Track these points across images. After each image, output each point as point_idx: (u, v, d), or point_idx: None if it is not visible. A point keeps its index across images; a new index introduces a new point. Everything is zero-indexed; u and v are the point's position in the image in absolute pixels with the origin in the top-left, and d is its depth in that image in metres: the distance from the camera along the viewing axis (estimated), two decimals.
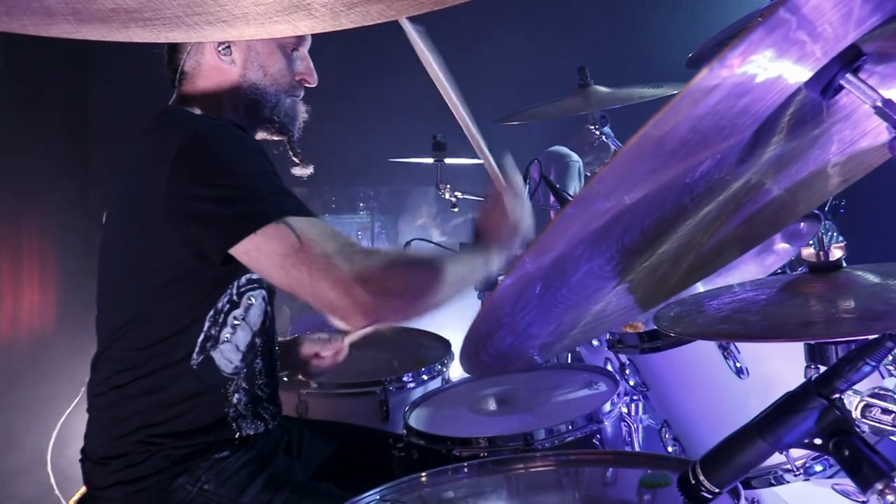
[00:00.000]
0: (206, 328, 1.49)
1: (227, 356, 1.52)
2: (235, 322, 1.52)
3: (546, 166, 4.01)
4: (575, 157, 4.25)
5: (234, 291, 1.52)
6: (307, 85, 1.66)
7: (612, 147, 2.92)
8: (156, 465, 1.46)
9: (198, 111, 1.56)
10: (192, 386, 1.49)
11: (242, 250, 1.36)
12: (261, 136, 1.67)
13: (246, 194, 1.37)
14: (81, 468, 1.55)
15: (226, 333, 1.51)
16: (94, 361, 1.57)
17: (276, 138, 1.68)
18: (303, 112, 1.68)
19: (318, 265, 1.32)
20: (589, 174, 4.22)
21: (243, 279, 1.52)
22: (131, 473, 1.46)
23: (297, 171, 1.73)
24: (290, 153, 1.70)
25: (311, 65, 1.66)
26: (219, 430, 1.51)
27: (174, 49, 1.60)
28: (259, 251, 1.35)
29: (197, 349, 1.48)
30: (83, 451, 1.56)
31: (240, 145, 1.44)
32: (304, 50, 1.65)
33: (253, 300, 1.55)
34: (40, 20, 0.51)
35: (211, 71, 1.58)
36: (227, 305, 1.51)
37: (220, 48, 1.56)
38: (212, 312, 1.49)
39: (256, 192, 1.37)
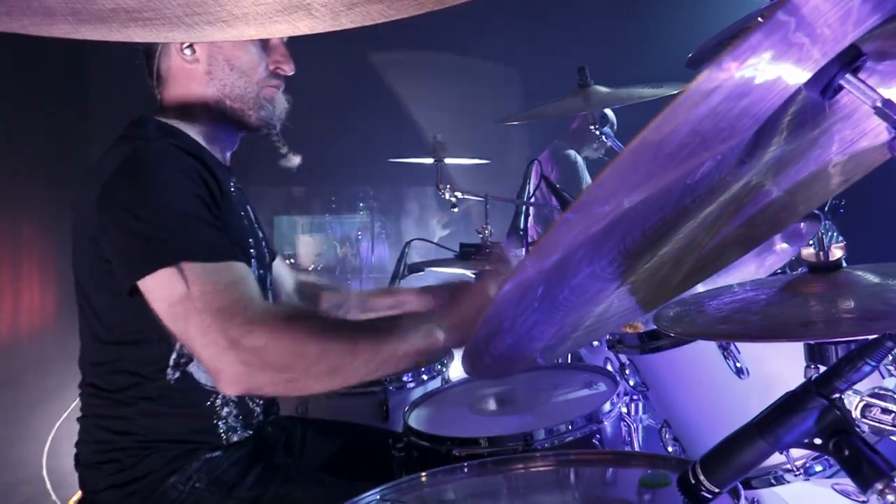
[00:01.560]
0: (175, 346, 1.47)
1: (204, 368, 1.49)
2: None
3: (550, 168, 4.01)
4: (580, 159, 4.26)
5: None
6: (283, 73, 1.62)
7: (611, 139, 2.90)
8: (148, 466, 1.46)
9: (168, 120, 1.55)
10: (175, 399, 1.48)
11: (141, 288, 1.33)
12: (242, 131, 1.65)
13: (153, 232, 1.34)
14: (77, 474, 1.55)
15: None
16: (80, 369, 1.57)
17: (257, 132, 1.65)
18: (282, 102, 1.64)
19: (196, 321, 1.26)
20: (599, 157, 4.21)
21: None
22: (123, 477, 1.46)
23: (284, 162, 1.71)
24: (275, 144, 1.68)
25: (286, 52, 1.61)
26: (208, 437, 1.51)
27: (147, 55, 1.58)
28: (151, 293, 1.32)
29: (171, 364, 1.47)
30: (76, 457, 1.56)
31: (167, 177, 1.40)
32: (276, 39, 1.60)
33: None
34: (40, 20, 0.51)
35: (179, 73, 1.56)
36: None
37: (182, 48, 1.54)
38: None
39: (162, 230, 1.34)
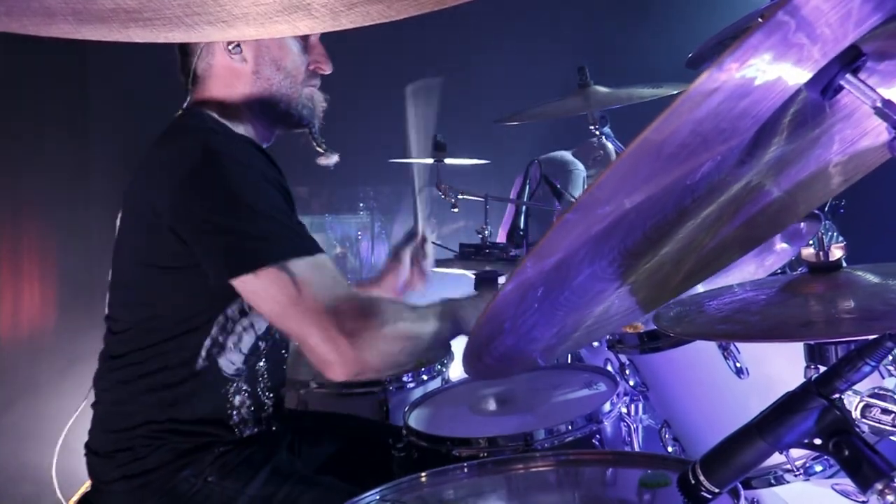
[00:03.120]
0: (213, 333, 1.49)
1: (230, 358, 1.52)
2: (242, 329, 1.52)
3: (548, 174, 4.00)
4: (579, 165, 4.25)
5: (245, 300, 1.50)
6: (322, 72, 1.65)
7: (614, 155, 2.91)
8: (160, 458, 1.47)
9: (215, 115, 1.56)
10: (195, 386, 1.49)
11: (240, 285, 1.37)
12: (281, 130, 1.67)
13: (250, 230, 1.37)
14: (86, 462, 1.56)
15: (232, 340, 1.51)
16: (101, 355, 1.58)
17: (297, 130, 1.68)
18: (321, 101, 1.67)
19: (310, 318, 1.34)
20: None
21: None
22: (136, 468, 1.47)
23: (322, 160, 1.73)
24: (314, 143, 1.70)
25: (324, 51, 1.65)
26: (220, 430, 1.52)
27: (185, 53, 1.60)
28: (256, 293, 1.37)
29: (203, 353, 1.49)
30: (87, 445, 1.56)
31: (251, 171, 1.43)
32: (315, 37, 1.63)
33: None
34: (40, 20, 0.51)
35: (223, 72, 1.57)
36: (238, 314, 1.51)
37: (230, 47, 1.55)
38: (221, 318, 1.49)
39: (261, 229, 1.37)
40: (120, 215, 1.58)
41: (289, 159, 1.69)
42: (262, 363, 1.59)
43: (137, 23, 0.53)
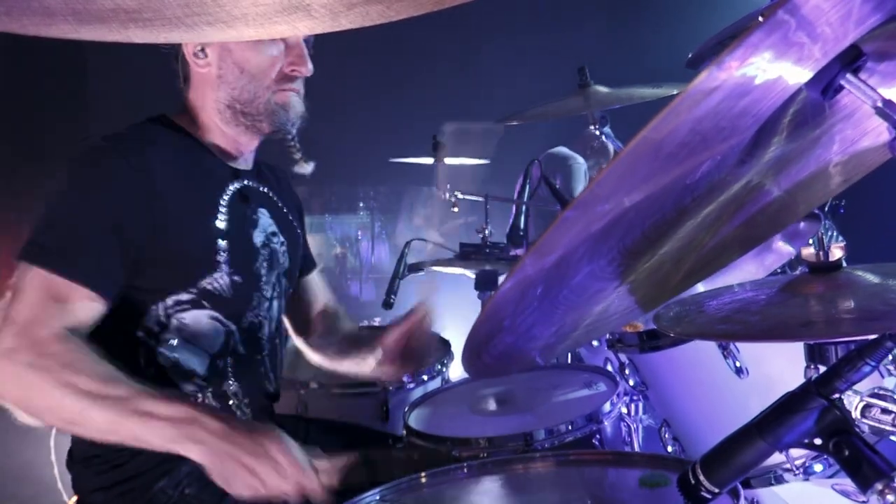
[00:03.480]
0: (141, 350, 1.47)
1: (180, 374, 1.48)
2: (173, 344, 1.48)
3: (550, 170, 4.01)
4: (580, 159, 4.26)
5: (161, 313, 1.47)
6: (299, 74, 1.56)
7: (612, 149, 2.91)
8: (136, 467, 1.44)
9: (184, 122, 1.58)
10: (162, 381, 1.46)
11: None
12: (250, 135, 1.61)
13: (43, 226, 1.41)
14: (70, 473, 1.54)
15: (164, 359, 1.47)
16: None
17: (275, 136, 1.62)
18: (298, 107, 1.58)
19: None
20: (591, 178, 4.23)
21: (169, 300, 1.47)
22: (112, 478, 1.45)
23: (298, 168, 1.67)
24: (290, 150, 1.64)
25: (304, 52, 1.55)
26: None
27: (171, 58, 1.59)
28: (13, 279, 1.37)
29: (154, 371, 1.46)
30: (69, 452, 1.54)
31: (85, 178, 1.46)
32: (295, 38, 1.54)
33: (188, 322, 1.48)
34: (40, 20, 0.51)
35: (195, 78, 1.56)
36: (157, 327, 1.47)
37: (195, 52, 1.53)
38: (141, 333, 1.46)
39: (48, 230, 1.40)
40: None
41: (288, 160, 1.68)
42: (231, 383, 1.55)
43: (137, 23, 0.53)
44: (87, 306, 1.36)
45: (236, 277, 1.54)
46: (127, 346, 1.45)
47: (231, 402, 1.56)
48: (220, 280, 1.51)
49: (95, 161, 1.47)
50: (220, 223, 1.54)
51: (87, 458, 1.49)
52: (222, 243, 1.53)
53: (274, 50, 1.53)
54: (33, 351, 1.27)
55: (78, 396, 1.24)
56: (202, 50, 1.53)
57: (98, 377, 1.27)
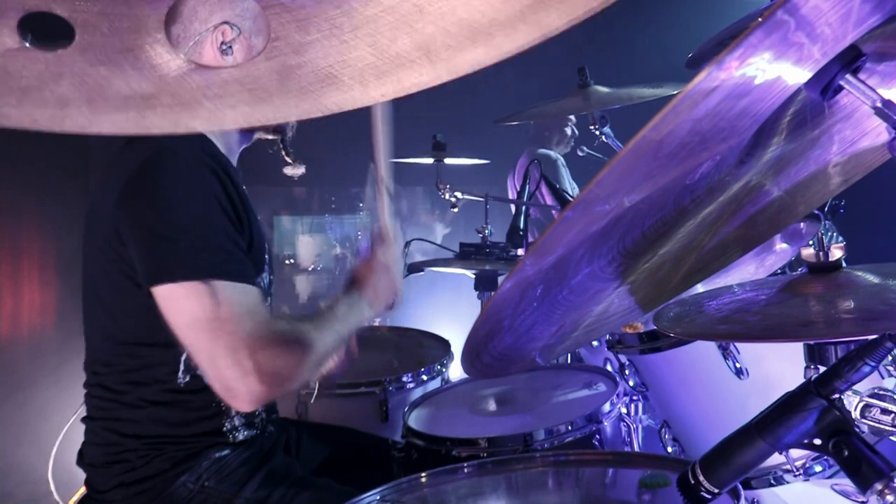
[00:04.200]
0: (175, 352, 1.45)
1: None
2: None
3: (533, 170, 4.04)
4: (556, 154, 4.30)
5: None
6: None
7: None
8: (157, 467, 1.46)
9: None
10: (184, 401, 1.48)
11: (160, 294, 1.32)
12: (258, 134, 1.65)
13: (181, 240, 1.33)
14: (84, 472, 1.55)
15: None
16: (86, 370, 1.56)
17: (270, 137, 1.66)
18: None
19: (224, 339, 1.29)
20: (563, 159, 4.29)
21: None
22: (133, 476, 1.46)
23: (289, 170, 1.70)
24: (283, 153, 1.67)
25: None
26: (214, 437, 1.51)
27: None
28: (175, 302, 1.32)
29: (182, 367, 1.46)
30: (82, 457, 1.55)
31: (196, 180, 1.39)
32: None
33: None
34: (52, 112, 0.48)
35: None
36: None
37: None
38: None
39: (192, 241, 1.33)
40: (84, 228, 1.54)
41: (278, 159, 1.69)
42: None
43: (155, 110, 0.51)
44: (257, 293, 1.41)
45: (272, 276, 1.60)
46: (172, 344, 1.43)
47: None
48: (264, 280, 1.53)
49: (196, 160, 1.44)
50: (260, 224, 1.58)
51: (104, 463, 1.49)
52: (265, 244, 1.57)
53: None
54: (273, 348, 1.33)
55: (320, 349, 1.41)
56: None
57: (312, 328, 1.43)
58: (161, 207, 1.36)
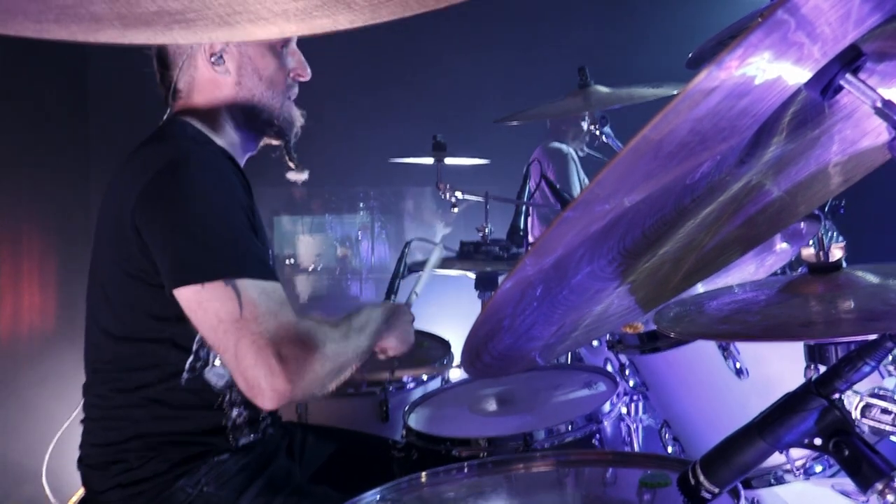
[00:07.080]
0: (194, 349, 1.46)
1: (217, 371, 1.49)
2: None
3: (545, 164, 4.04)
4: (572, 150, 4.30)
5: None
6: (301, 79, 1.64)
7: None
8: (155, 468, 1.46)
9: (197, 124, 1.54)
10: (185, 400, 1.47)
11: (183, 295, 1.33)
12: (262, 141, 1.66)
13: (205, 241, 1.34)
14: (80, 473, 1.55)
15: (214, 354, 1.48)
16: (86, 369, 1.56)
17: (274, 142, 1.67)
18: (298, 116, 1.66)
19: (249, 339, 1.29)
20: (581, 153, 4.29)
21: None
22: (131, 477, 1.46)
23: (293, 175, 1.72)
24: (286, 157, 1.68)
25: (303, 58, 1.63)
26: (216, 439, 1.50)
27: (165, 66, 1.57)
28: (199, 303, 1.32)
29: (187, 367, 1.46)
30: (80, 458, 1.55)
31: (219, 185, 1.41)
32: (294, 45, 1.63)
33: None
34: (87, 27, 0.52)
35: (206, 84, 1.56)
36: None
37: (212, 59, 1.53)
38: (199, 335, 1.45)
39: (215, 242, 1.34)
40: (95, 229, 1.55)
41: (281, 164, 1.69)
42: None
43: (181, 24, 0.53)
44: (282, 291, 1.41)
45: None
46: (180, 344, 1.46)
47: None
48: None
49: (218, 163, 1.46)
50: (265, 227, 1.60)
51: (102, 464, 1.49)
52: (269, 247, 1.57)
53: (280, 58, 1.59)
54: (299, 349, 1.34)
55: (348, 353, 1.47)
56: (220, 56, 1.53)
57: (337, 333, 1.47)
58: (186, 208, 1.36)
